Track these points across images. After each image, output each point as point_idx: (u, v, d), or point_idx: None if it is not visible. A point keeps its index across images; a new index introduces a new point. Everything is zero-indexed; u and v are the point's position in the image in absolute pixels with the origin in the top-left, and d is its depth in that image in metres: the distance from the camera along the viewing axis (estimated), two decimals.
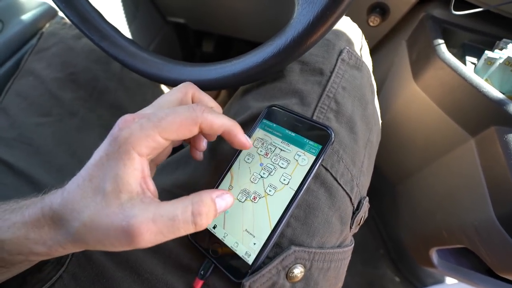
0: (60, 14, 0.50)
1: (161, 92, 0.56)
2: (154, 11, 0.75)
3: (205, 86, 0.32)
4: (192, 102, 0.24)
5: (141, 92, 0.50)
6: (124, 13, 0.65)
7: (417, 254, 0.53)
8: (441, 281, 0.72)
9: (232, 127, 0.22)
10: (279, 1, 0.60)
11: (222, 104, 0.29)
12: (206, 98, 0.25)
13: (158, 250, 0.26)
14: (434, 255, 0.48)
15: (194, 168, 0.31)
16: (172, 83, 0.33)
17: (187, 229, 0.18)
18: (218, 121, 0.20)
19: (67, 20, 0.48)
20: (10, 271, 0.22)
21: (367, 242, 0.77)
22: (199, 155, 0.27)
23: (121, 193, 0.18)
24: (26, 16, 0.46)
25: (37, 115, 0.40)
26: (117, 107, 0.46)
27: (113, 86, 0.46)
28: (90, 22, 0.34)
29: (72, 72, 0.44)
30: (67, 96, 0.42)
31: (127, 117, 0.19)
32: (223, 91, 0.87)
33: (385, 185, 0.61)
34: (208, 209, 0.19)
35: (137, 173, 0.18)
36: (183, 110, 0.19)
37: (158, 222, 0.17)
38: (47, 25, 0.47)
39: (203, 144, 0.26)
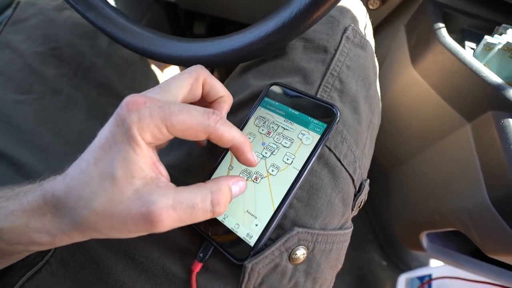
0: None
1: (152, 72, 0.54)
2: None
3: (202, 62, 0.30)
4: (203, 88, 0.22)
5: (130, 70, 0.47)
6: None
7: (406, 238, 0.54)
8: (425, 264, 0.75)
9: (242, 144, 0.20)
10: None
11: None
12: (218, 85, 0.23)
13: (154, 233, 0.25)
14: (424, 239, 0.49)
15: (189, 148, 0.30)
16: (165, 59, 0.31)
17: (205, 217, 0.19)
18: (228, 135, 0.19)
19: None
20: (6, 262, 0.21)
21: (357, 228, 0.79)
22: (203, 142, 0.26)
23: (134, 178, 0.17)
24: None
25: (16, 91, 0.36)
26: (105, 86, 0.43)
27: (100, 63, 0.43)
28: None
29: (55, 47, 0.40)
30: (49, 72, 0.39)
31: (138, 99, 0.17)
32: (215, 72, 0.84)
33: (376, 172, 0.62)
34: (226, 198, 0.19)
35: (147, 158, 0.17)
36: (198, 114, 0.18)
37: (178, 209, 0.17)
38: None
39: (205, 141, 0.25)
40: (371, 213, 0.81)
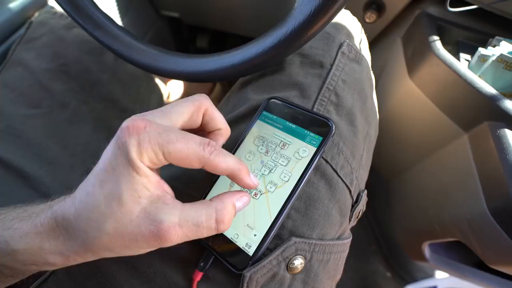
0: (50, 3, 0.48)
1: (156, 85, 0.55)
2: (147, 4, 0.73)
3: (203, 77, 0.32)
4: (203, 118, 0.23)
5: (134, 84, 0.49)
6: (116, 6, 0.63)
7: (409, 248, 0.54)
8: (430, 275, 0.74)
9: (237, 171, 0.20)
10: None
11: (217, 99, 0.28)
12: (218, 117, 0.23)
13: None
14: (426, 249, 0.49)
15: None
16: (168, 75, 0.33)
17: (209, 233, 0.19)
18: (223, 165, 0.20)
19: (56, 9, 0.46)
20: (18, 279, 0.22)
21: (360, 238, 0.78)
22: None
23: (140, 198, 0.17)
24: (13, 5, 0.44)
25: (26, 106, 0.38)
26: (110, 99, 0.45)
27: (106, 78, 0.45)
28: (83, 10, 0.33)
29: (63, 63, 0.42)
30: (58, 87, 0.41)
31: (138, 123, 0.18)
32: (218, 86, 0.86)
33: (378, 182, 0.62)
34: (230, 216, 0.20)
35: (151, 178, 0.18)
36: (194, 144, 0.19)
37: (184, 227, 0.18)
38: (36, 14, 0.45)
39: None
40: (374, 223, 0.80)
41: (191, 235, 0.19)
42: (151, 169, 0.18)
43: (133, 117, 0.19)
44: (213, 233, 0.20)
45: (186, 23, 0.81)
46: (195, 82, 0.32)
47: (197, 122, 0.22)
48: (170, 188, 0.20)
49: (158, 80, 0.56)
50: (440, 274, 0.74)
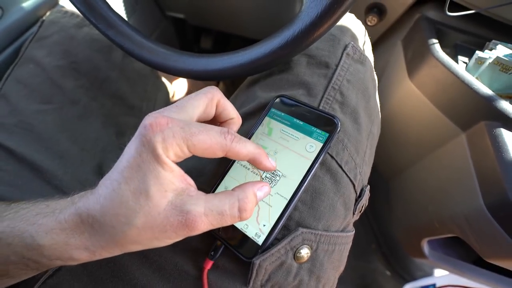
0: (61, 2, 0.49)
1: (162, 83, 0.57)
2: (153, 5, 0.74)
3: (212, 76, 0.33)
4: (216, 109, 0.24)
5: (142, 82, 0.50)
6: (123, 6, 0.65)
7: (409, 246, 0.55)
8: (429, 274, 0.75)
9: (258, 155, 0.22)
10: None
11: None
12: (229, 107, 0.24)
13: None
14: (425, 246, 0.50)
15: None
16: (178, 73, 0.34)
17: (233, 221, 0.20)
18: (244, 151, 0.21)
19: (67, 8, 0.47)
20: (41, 271, 0.22)
21: (360, 237, 0.79)
22: None
23: (166, 192, 0.18)
24: (26, 4, 0.45)
25: (38, 102, 0.39)
26: (119, 96, 0.46)
27: (114, 75, 0.46)
28: (97, 11, 0.34)
29: (74, 61, 0.43)
30: (68, 84, 0.42)
31: (161, 120, 0.18)
32: (221, 85, 0.87)
33: (378, 181, 0.64)
34: (252, 204, 0.21)
35: (176, 172, 0.19)
36: (216, 134, 0.20)
37: (209, 216, 0.19)
38: (48, 13, 0.46)
39: None
40: (374, 223, 0.81)
41: (216, 223, 0.20)
42: (175, 163, 0.19)
43: (153, 113, 0.19)
44: (237, 221, 0.21)
45: (190, 24, 0.82)
46: (204, 81, 0.33)
47: (211, 113, 0.23)
48: (192, 181, 0.21)
49: (164, 79, 0.58)
50: (438, 273, 0.75)
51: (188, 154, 0.19)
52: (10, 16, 0.44)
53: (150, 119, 0.18)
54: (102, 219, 0.18)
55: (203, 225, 0.19)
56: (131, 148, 0.19)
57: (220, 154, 0.20)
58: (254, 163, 0.22)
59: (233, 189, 0.21)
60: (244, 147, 0.21)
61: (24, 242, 0.19)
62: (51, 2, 0.48)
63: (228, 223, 0.20)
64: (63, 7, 0.47)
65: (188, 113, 0.21)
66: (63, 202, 0.20)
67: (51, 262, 0.20)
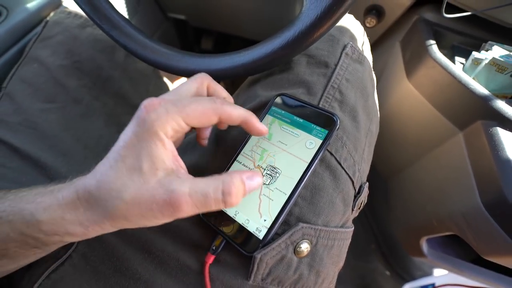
0: (65, 3, 0.50)
1: (164, 83, 0.57)
2: (155, 7, 0.75)
3: (214, 75, 0.34)
4: (208, 91, 0.25)
5: (144, 82, 0.51)
6: (125, 7, 0.65)
7: (408, 244, 0.55)
8: (428, 273, 0.76)
9: (249, 117, 0.23)
10: (278, 0, 0.63)
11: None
12: (219, 89, 0.26)
13: (168, 229, 0.27)
14: (424, 245, 0.50)
15: (201, 152, 0.32)
16: (181, 73, 0.34)
17: (217, 206, 0.20)
18: (236, 112, 0.22)
19: (71, 9, 0.48)
20: (43, 252, 0.23)
21: (359, 237, 0.80)
22: (204, 142, 0.29)
23: (157, 170, 0.19)
24: (30, 5, 0.46)
25: (42, 101, 0.40)
26: (121, 96, 0.47)
27: (117, 75, 0.47)
28: (101, 11, 0.35)
29: (77, 60, 0.44)
30: (72, 83, 0.42)
31: (154, 101, 0.20)
32: (222, 82, 0.88)
33: (376, 181, 0.64)
34: (237, 190, 0.20)
35: (169, 152, 0.20)
36: (205, 101, 0.21)
37: (193, 197, 0.19)
38: (52, 14, 0.47)
39: (206, 133, 0.28)
40: (373, 222, 0.82)
41: (200, 206, 0.19)
42: (171, 142, 0.20)
43: (148, 98, 0.20)
44: (221, 205, 0.20)
45: (191, 25, 0.83)
46: None
47: (203, 95, 0.25)
48: (184, 164, 0.21)
49: (165, 79, 0.58)
50: (437, 272, 0.76)
51: (185, 127, 0.20)
52: (15, 16, 0.44)
53: (144, 101, 0.20)
54: (97, 193, 0.19)
55: (186, 206, 0.19)
56: (128, 130, 0.20)
57: (214, 119, 0.21)
58: (246, 125, 0.23)
59: (220, 174, 0.21)
60: (235, 109, 0.22)
61: (24, 219, 0.20)
62: (55, 3, 0.48)
63: (213, 207, 0.20)
64: (66, 8, 0.48)
65: (182, 96, 0.23)
66: (62, 184, 0.21)
67: (49, 237, 0.20)
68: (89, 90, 0.44)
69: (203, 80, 0.25)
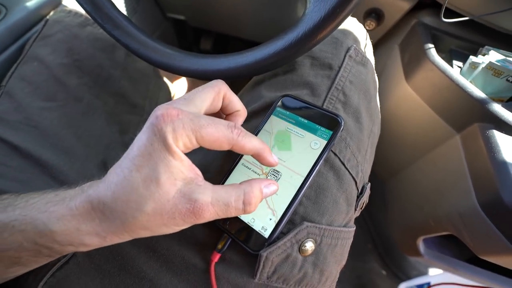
0: (64, 2, 0.49)
1: (164, 82, 0.57)
2: (154, 7, 0.75)
3: (218, 75, 0.34)
4: (223, 101, 0.24)
5: (144, 81, 0.51)
6: (124, 7, 0.65)
7: (405, 245, 0.56)
8: (424, 273, 0.77)
9: (261, 150, 0.23)
10: (278, 1, 0.63)
11: None
12: (235, 99, 0.25)
13: None
14: (421, 245, 0.51)
15: (204, 151, 0.32)
16: (183, 73, 0.34)
17: (237, 213, 0.21)
18: (249, 145, 0.22)
19: (71, 8, 0.48)
20: (54, 258, 0.22)
21: (356, 237, 0.81)
22: None
23: (176, 180, 0.19)
24: (30, 3, 0.45)
25: (42, 99, 0.39)
26: (121, 95, 0.46)
27: (117, 74, 0.47)
28: (103, 11, 0.35)
29: (77, 59, 0.44)
30: (72, 82, 0.42)
31: (171, 111, 0.19)
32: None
33: (374, 182, 0.65)
34: (256, 199, 0.21)
35: (185, 162, 0.20)
36: (223, 128, 0.20)
37: (215, 206, 0.20)
38: (52, 12, 0.47)
39: None
40: (370, 223, 0.83)
41: (221, 214, 0.20)
42: (184, 153, 0.20)
43: (163, 105, 0.20)
44: (241, 213, 0.21)
45: (191, 26, 0.83)
46: (207, 80, 0.34)
47: (218, 106, 0.24)
48: (200, 171, 0.21)
49: (165, 79, 0.58)
50: (433, 272, 0.77)
51: (196, 145, 0.20)
52: (14, 15, 0.44)
53: (161, 110, 0.19)
54: (114, 205, 0.19)
55: (209, 214, 0.20)
56: (142, 137, 0.19)
57: (226, 147, 0.21)
58: (258, 157, 0.23)
59: (240, 183, 0.22)
60: (249, 142, 0.22)
61: (37, 228, 0.19)
62: (55, 1, 0.48)
63: (233, 215, 0.21)
64: (66, 6, 0.47)
65: (196, 105, 0.22)
66: (72, 191, 0.21)
67: (63, 248, 0.20)
68: (89, 88, 0.43)
69: (221, 90, 0.24)
